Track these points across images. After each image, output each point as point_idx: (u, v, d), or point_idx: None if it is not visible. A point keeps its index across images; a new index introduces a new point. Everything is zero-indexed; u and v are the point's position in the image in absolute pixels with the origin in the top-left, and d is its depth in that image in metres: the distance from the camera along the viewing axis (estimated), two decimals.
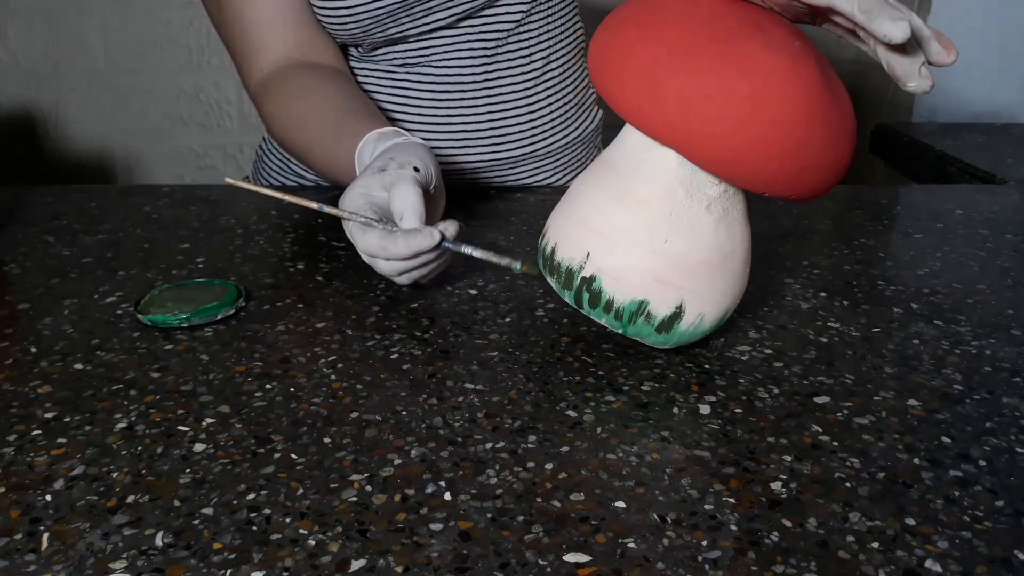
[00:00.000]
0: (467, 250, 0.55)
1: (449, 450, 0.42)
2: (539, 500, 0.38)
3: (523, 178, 0.89)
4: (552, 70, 0.86)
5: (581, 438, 0.43)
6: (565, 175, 0.91)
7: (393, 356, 0.51)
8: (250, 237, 0.72)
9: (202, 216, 0.77)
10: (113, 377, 0.49)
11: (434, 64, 0.81)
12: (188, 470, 0.40)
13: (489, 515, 0.37)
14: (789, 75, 0.42)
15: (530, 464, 0.41)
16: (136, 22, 1.61)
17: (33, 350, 0.52)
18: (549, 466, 0.41)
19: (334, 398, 0.47)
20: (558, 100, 0.87)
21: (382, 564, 0.34)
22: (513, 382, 0.48)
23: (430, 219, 0.57)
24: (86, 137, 1.69)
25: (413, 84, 0.82)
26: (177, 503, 0.38)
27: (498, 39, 0.81)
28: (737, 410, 0.46)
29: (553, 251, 0.50)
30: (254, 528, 0.36)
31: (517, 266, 0.55)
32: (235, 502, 0.38)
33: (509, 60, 0.83)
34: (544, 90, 0.85)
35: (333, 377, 0.49)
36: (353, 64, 0.84)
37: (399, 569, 0.34)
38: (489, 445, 0.42)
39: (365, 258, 0.57)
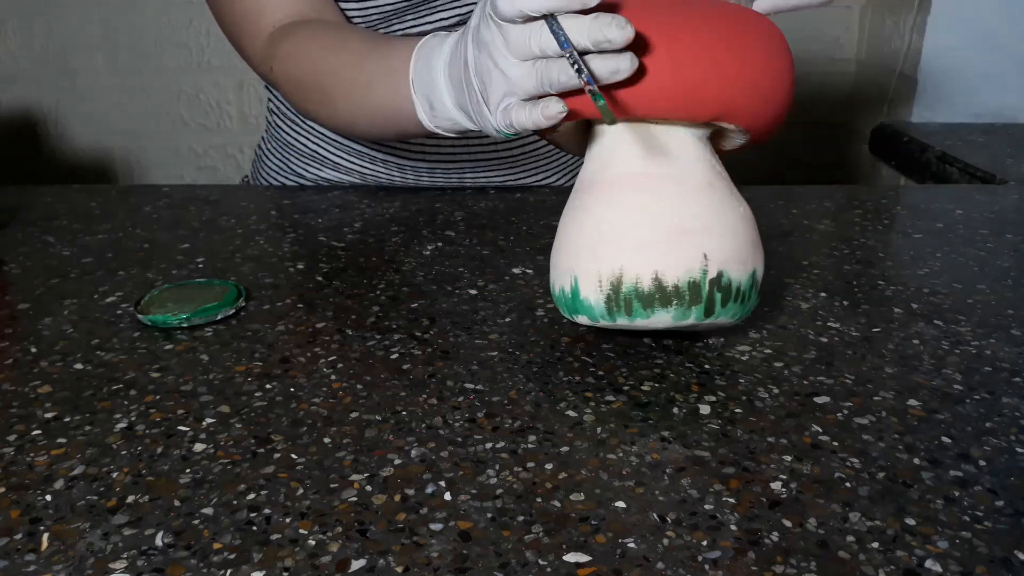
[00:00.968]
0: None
1: (449, 450, 0.42)
2: (539, 500, 0.38)
3: (522, 178, 0.89)
4: None
5: (581, 438, 0.43)
6: (563, 175, 0.91)
7: (393, 356, 0.51)
8: (250, 237, 0.72)
9: (202, 216, 0.77)
10: (113, 377, 0.49)
11: None
12: (188, 470, 0.40)
13: (489, 515, 0.37)
14: (755, 20, 0.47)
15: (530, 464, 0.41)
16: (136, 22, 1.61)
17: (33, 350, 0.52)
18: (549, 466, 0.41)
19: (334, 398, 0.47)
20: None
21: (382, 564, 0.34)
22: (513, 382, 0.48)
23: None
24: (86, 137, 1.69)
25: None
26: (177, 503, 0.38)
27: None
28: (737, 410, 0.46)
29: (659, 281, 0.45)
30: (254, 528, 0.36)
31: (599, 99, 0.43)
32: (235, 502, 0.38)
33: None
34: None
35: (333, 377, 0.49)
36: None
37: (399, 569, 0.34)
38: (489, 445, 0.42)
39: (518, 54, 0.46)
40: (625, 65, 0.42)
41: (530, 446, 0.42)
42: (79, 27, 1.61)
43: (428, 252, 0.68)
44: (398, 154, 0.85)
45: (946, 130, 1.26)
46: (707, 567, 0.34)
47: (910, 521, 0.37)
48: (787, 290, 0.62)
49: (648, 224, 0.46)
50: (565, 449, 0.42)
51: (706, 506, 0.38)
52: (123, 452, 0.42)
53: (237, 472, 0.40)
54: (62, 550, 0.35)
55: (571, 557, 0.35)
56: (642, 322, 0.47)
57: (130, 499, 0.38)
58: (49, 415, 0.45)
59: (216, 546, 0.35)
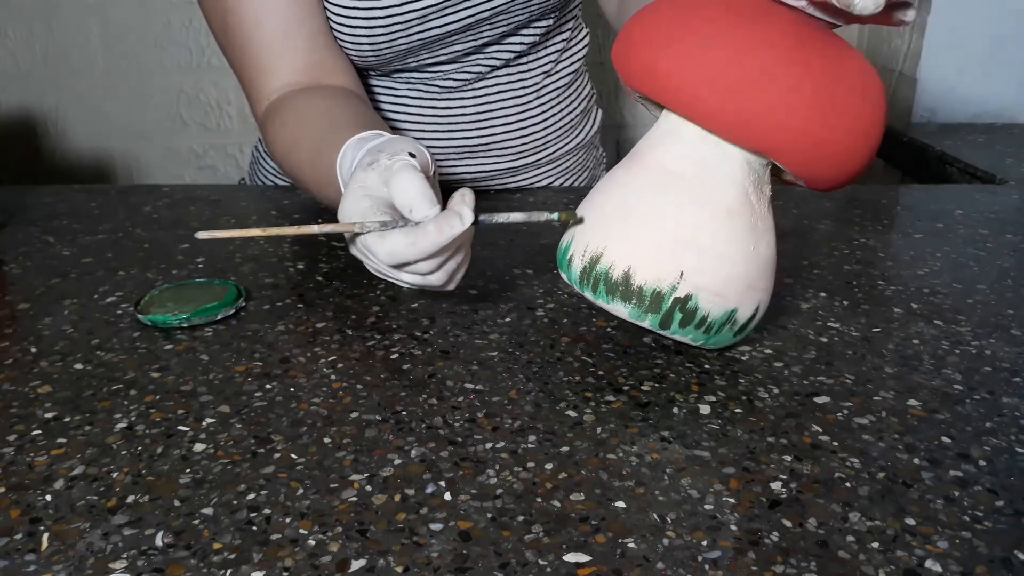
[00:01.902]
0: (501, 219, 0.48)
1: (449, 450, 0.42)
2: (539, 500, 0.38)
3: (526, 184, 0.89)
4: (556, 80, 0.86)
5: (581, 438, 0.43)
6: (566, 178, 0.91)
7: (393, 356, 0.51)
8: (250, 237, 0.72)
9: (202, 216, 0.77)
10: (113, 377, 0.49)
11: (438, 82, 0.81)
12: (188, 470, 0.40)
13: (489, 515, 0.37)
14: (854, 62, 0.43)
15: (530, 464, 0.41)
16: (136, 22, 1.61)
17: (33, 350, 0.52)
18: (549, 466, 0.41)
19: (334, 398, 0.47)
20: (563, 110, 0.87)
21: (382, 564, 0.34)
22: (513, 382, 0.48)
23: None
24: (86, 137, 1.69)
25: (416, 96, 0.82)
26: (177, 503, 0.38)
27: (507, 59, 0.81)
28: (737, 410, 0.46)
29: (628, 276, 0.46)
30: (254, 528, 0.36)
31: (556, 216, 0.48)
32: (235, 502, 0.38)
33: (512, 76, 0.83)
34: (549, 101, 0.85)
35: (333, 377, 0.49)
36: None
37: (399, 569, 0.34)
38: (489, 445, 0.42)
39: (386, 270, 0.49)
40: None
41: (530, 446, 0.42)
42: (79, 27, 1.61)
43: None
44: None
45: (946, 130, 1.26)
46: (707, 567, 0.34)
47: (910, 521, 0.37)
48: (787, 290, 0.62)
49: (647, 221, 0.46)
50: (565, 449, 0.42)
51: (706, 506, 0.38)
52: (123, 452, 0.42)
53: (237, 472, 0.40)
54: (62, 550, 0.35)
55: (571, 557, 0.35)
56: (603, 305, 0.47)
57: (130, 499, 0.38)
58: (49, 415, 0.45)
59: (216, 546, 0.35)
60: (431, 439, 0.43)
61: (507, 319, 0.56)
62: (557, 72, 0.85)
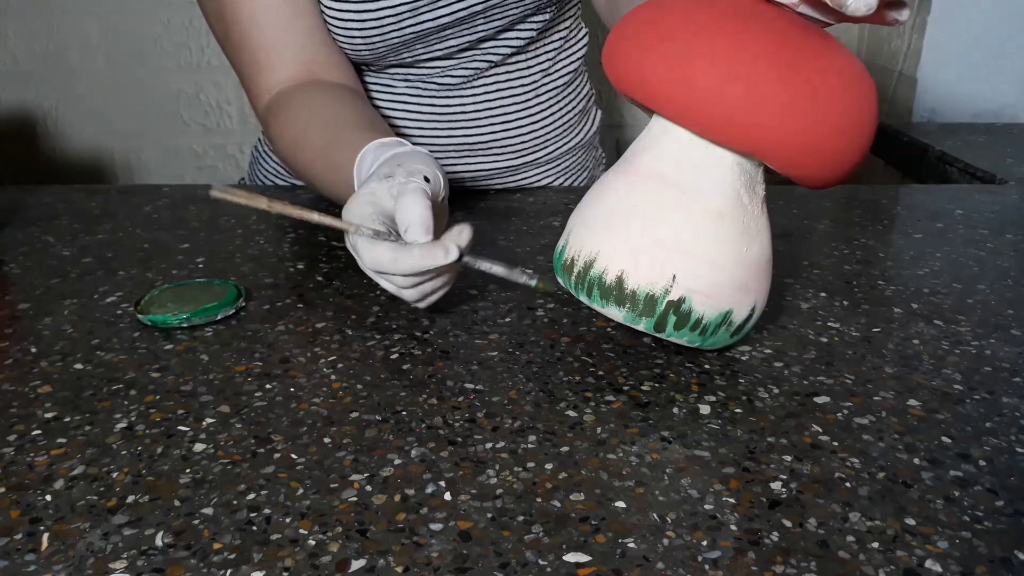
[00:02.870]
0: (484, 267, 0.51)
1: (449, 450, 0.42)
2: (539, 500, 0.38)
3: (523, 183, 0.89)
4: (555, 78, 0.86)
5: (581, 438, 0.43)
6: (565, 178, 0.91)
7: (393, 356, 0.51)
8: (250, 237, 0.72)
9: (202, 216, 0.77)
10: (113, 377, 0.49)
11: (436, 80, 0.81)
12: (188, 470, 0.40)
13: (489, 515, 0.37)
14: (843, 60, 0.43)
15: (530, 464, 0.41)
16: (136, 22, 1.61)
17: (33, 350, 0.52)
18: (549, 466, 0.41)
19: (334, 398, 0.47)
20: (562, 109, 0.87)
21: (382, 564, 0.34)
22: (513, 382, 0.48)
23: (435, 233, 0.51)
24: (86, 137, 1.69)
25: (414, 93, 0.82)
26: (177, 503, 0.38)
27: (505, 56, 0.81)
28: (737, 410, 0.46)
29: (621, 281, 0.46)
30: (254, 528, 0.36)
31: (534, 283, 0.51)
32: (235, 502, 0.38)
33: (511, 73, 0.83)
34: (547, 100, 0.85)
35: (333, 377, 0.49)
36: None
37: (399, 569, 0.34)
38: (489, 445, 0.42)
39: (370, 273, 0.53)
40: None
41: (530, 446, 0.42)
42: (79, 27, 1.61)
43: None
44: None
45: (946, 130, 1.26)
46: (707, 567, 0.34)
47: (910, 521, 0.37)
48: (787, 290, 0.62)
49: (638, 226, 0.46)
50: (565, 449, 0.42)
51: (706, 506, 0.38)
52: (123, 452, 0.42)
53: (237, 472, 0.40)
54: (62, 550, 0.35)
55: (571, 557, 0.35)
56: (599, 309, 0.47)
57: (130, 499, 0.38)
58: (49, 415, 0.45)
59: (216, 546, 0.35)
60: (431, 439, 0.43)
61: (507, 319, 0.56)
62: (555, 70, 0.85)
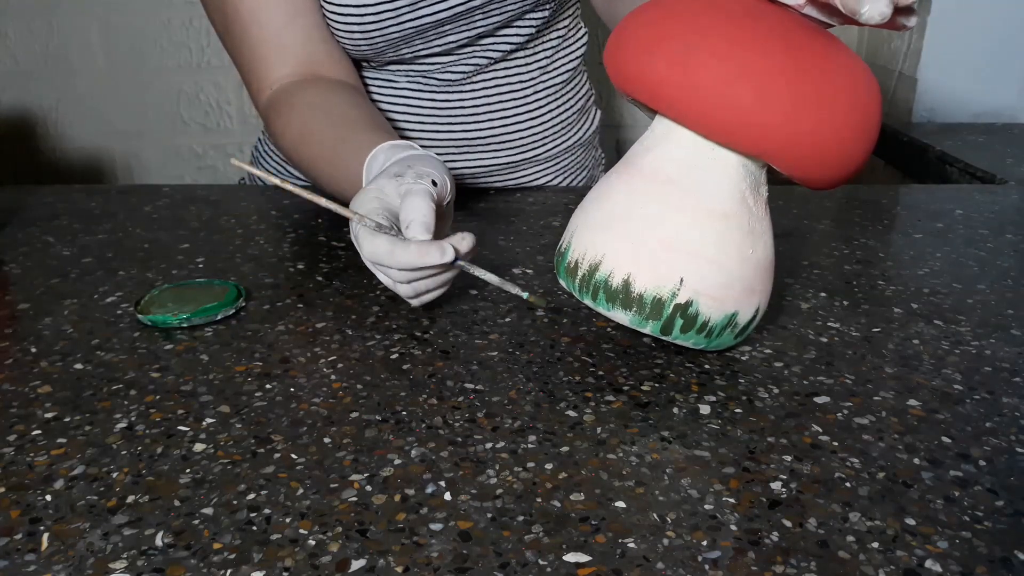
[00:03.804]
0: (478, 273, 0.53)
1: (449, 450, 0.42)
2: (539, 500, 0.38)
3: (524, 180, 0.89)
4: (555, 75, 0.86)
5: (581, 438, 0.43)
6: (564, 177, 0.91)
7: (393, 356, 0.51)
8: (250, 237, 0.72)
9: (202, 216, 0.77)
10: (113, 377, 0.49)
11: (436, 75, 0.81)
12: (188, 470, 0.40)
13: (489, 515, 0.37)
14: (846, 60, 0.43)
15: (530, 464, 0.41)
16: (136, 22, 1.61)
17: (33, 350, 0.52)
18: (549, 466, 0.41)
19: (334, 398, 0.47)
20: (560, 106, 0.87)
21: (382, 564, 0.34)
22: (513, 382, 0.48)
23: (437, 235, 0.53)
24: (86, 137, 1.69)
25: (415, 90, 0.82)
26: (177, 503, 0.38)
27: (505, 52, 0.81)
28: (737, 410, 0.46)
29: (628, 284, 0.46)
30: (254, 528, 0.36)
31: (525, 295, 0.52)
32: (235, 502, 0.38)
33: (509, 70, 0.83)
34: (545, 97, 0.85)
35: (333, 377, 0.49)
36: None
37: (399, 569, 0.34)
38: (489, 445, 0.42)
39: (368, 264, 0.54)
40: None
41: (530, 446, 0.42)
42: (79, 27, 1.61)
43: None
44: None
45: (946, 130, 1.26)
46: (707, 567, 0.34)
47: (910, 521, 0.37)
48: (787, 290, 0.62)
49: (643, 229, 0.46)
50: (565, 449, 0.42)
51: (706, 506, 0.38)
52: (123, 452, 0.42)
53: (237, 472, 0.40)
54: (62, 550, 0.35)
55: (571, 557, 0.35)
56: (604, 312, 0.47)
57: (130, 499, 0.38)
58: (49, 415, 0.45)
59: (216, 546, 0.35)
60: (431, 439, 0.43)
61: (507, 319, 0.56)
62: (554, 68, 0.86)
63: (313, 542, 0.36)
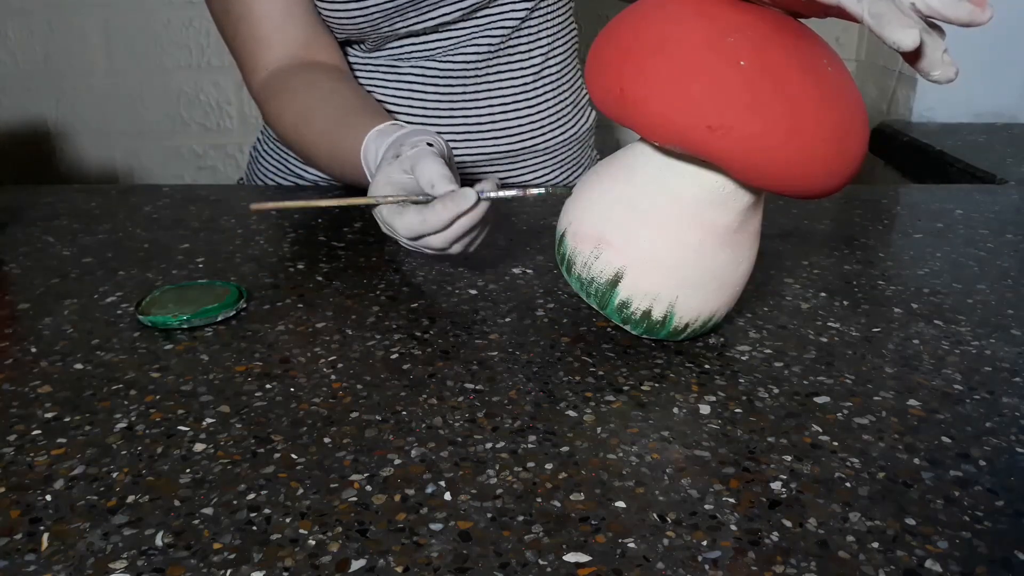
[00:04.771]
0: (503, 194, 0.56)
1: (449, 450, 0.42)
2: (539, 500, 0.38)
3: (522, 174, 0.89)
4: (551, 67, 0.86)
5: (581, 438, 0.43)
6: (562, 173, 0.91)
7: (393, 356, 0.51)
8: (250, 237, 0.72)
9: (202, 216, 0.77)
10: (113, 377, 0.49)
11: (437, 59, 0.82)
12: (188, 470, 0.40)
13: (489, 515, 0.37)
14: (822, 72, 0.42)
15: (530, 464, 0.41)
16: (136, 22, 1.61)
17: (33, 350, 0.52)
18: (549, 466, 0.41)
19: (334, 398, 0.47)
20: (556, 97, 0.88)
21: (382, 564, 0.34)
22: (513, 382, 0.48)
23: None
24: (86, 137, 1.69)
25: (415, 78, 0.82)
26: (177, 503, 0.38)
27: (502, 35, 0.82)
28: (737, 410, 0.46)
29: (574, 258, 0.51)
30: (254, 528, 0.36)
31: (545, 191, 0.57)
32: (235, 502, 0.38)
33: (510, 56, 0.83)
34: (543, 86, 0.86)
35: (333, 377, 0.49)
36: (356, 57, 0.84)
37: (399, 569, 0.34)
38: (489, 445, 0.42)
39: (408, 243, 0.57)
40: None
41: (530, 446, 0.42)
42: (80, 28, 1.61)
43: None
44: None
45: (946, 130, 1.26)
46: (707, 567, 0.34)
47: (910, 521, 0.37)
48: (787, 290, 0.62)
49: (600, 211, 0.49)
50: (565, 449, 0.42)
51: (706, 506, 0.38)
52: (123, 452, 0.42)
53: (237, 472, 0.40)
54: (62, 550, 0.35)
55: (571, 557, 0.35)
56: (566, 275, 0.52)
57: (130, 499, 0.38)
58: (49, 415, 0.45)
59: (216, 546, 0.35)
60: (431, 439, 0.43)
61: (507, 319, 0.56)
62: (552, 60, 0.87)
63: (313, 542, 0.36)
